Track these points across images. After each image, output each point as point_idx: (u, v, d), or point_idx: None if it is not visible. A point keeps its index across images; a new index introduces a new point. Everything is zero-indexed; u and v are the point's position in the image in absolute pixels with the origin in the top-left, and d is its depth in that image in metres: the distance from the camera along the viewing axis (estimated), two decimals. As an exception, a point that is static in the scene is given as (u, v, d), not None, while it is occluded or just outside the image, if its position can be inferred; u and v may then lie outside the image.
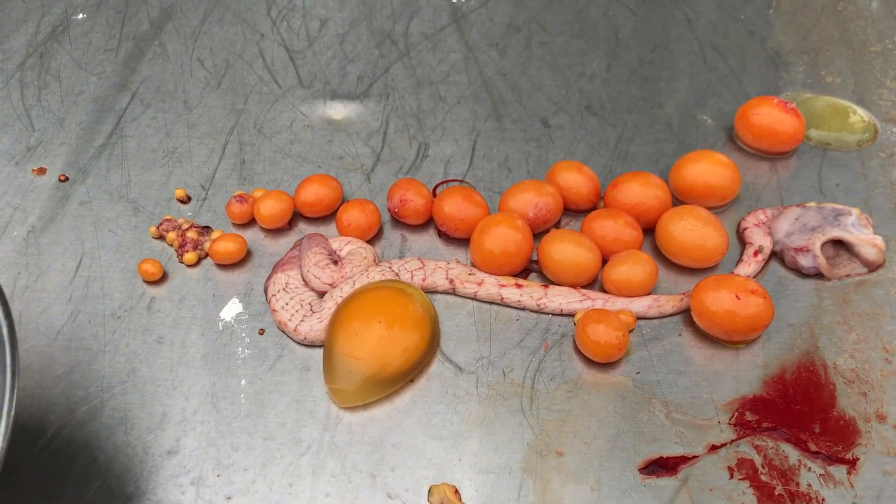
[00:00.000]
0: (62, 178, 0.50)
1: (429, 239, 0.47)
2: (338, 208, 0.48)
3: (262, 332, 0.43)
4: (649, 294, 0.43)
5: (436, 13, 0.61)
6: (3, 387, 0.30)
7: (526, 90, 0.56)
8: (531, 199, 0.45)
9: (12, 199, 0.49)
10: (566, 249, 0.43)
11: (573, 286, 0.44)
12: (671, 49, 0.58)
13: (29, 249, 0.47)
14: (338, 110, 0.54)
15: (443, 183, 0.50)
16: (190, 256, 0.45)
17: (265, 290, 0.44)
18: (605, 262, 0.44)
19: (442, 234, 0.47)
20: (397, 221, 0.48)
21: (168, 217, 0.47)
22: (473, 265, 0.45)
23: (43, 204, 0.49)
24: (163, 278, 0.45)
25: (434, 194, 0.49)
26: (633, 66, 0.57)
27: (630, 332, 0.42)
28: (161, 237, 0.47)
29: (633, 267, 0.43)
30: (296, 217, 0.48)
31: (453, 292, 0.44)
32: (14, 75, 0.57)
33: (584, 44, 0.59)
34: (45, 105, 0.55)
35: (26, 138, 0.53)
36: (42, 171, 0.51)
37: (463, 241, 0.47)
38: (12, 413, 0.29)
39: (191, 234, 0.46)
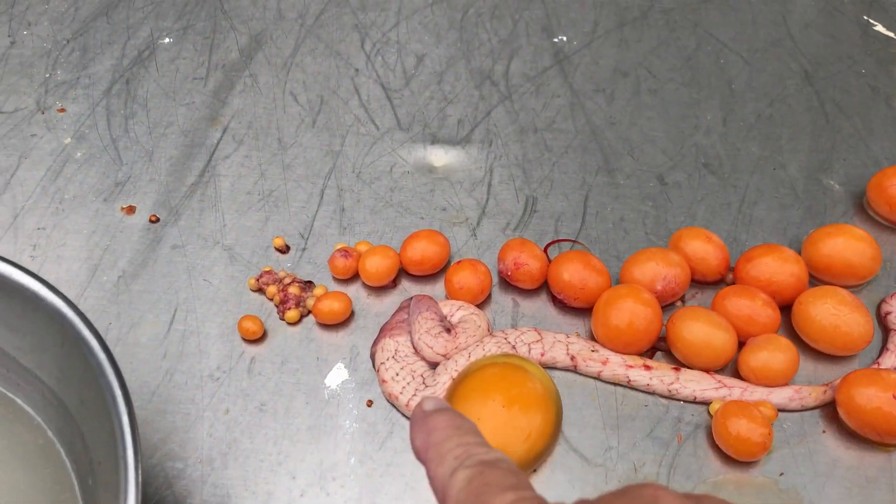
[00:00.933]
0: (153, 218, 0.48)
1: (541, 305, 0.44)
2: (445, 267, 0.45)
3: (370, 403, 0.40)
4: (789, 384, 0.40)
5: (537, 53, 0.58)
6: (126, 484, 0.27)
7: (637, 142, 0.52)
8: (659, 270, 0.42)
9: (101, 239, 0.47)
10: (699, 329, 0.40)
11: (705, 370, 0.41)
12: (789, 103, 0.55)
13: (120, 297, 0.44)
14: (439, 156, 0.52)
15: (554, 243, 0.47)
16: (292, 314, 0.43)
17: (372, 357, 0.42)
18: (740, 344, 0.41)
19: (557, 302, 0.44)
20: (507, 284, 0.45)
21: (267, 269, 0.45)
22: (595, 340, 0.42)
23: (133, 246, 0.47)
24: (262, 336, 0.43)
25: (546, 255, 0.46)
26: (751, 122, 0.54)
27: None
28: (260, 290, 0.44)
29: (774, 354, 0.39)
30: (399, 274, 0.46)
31: (574, 370, 0.41)
32: (100, 102, 0.54)
33: (697, 94, 0.55)
34: (133, 136, 0.52)
35: (114, 172, 0.50)
36: (131, 209, 0.48)
37: (579, 311, 0.44)
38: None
39: (293, 290, 0.43)
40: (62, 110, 0.54)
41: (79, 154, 0.51)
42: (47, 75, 0.56)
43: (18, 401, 0.36)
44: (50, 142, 0.52)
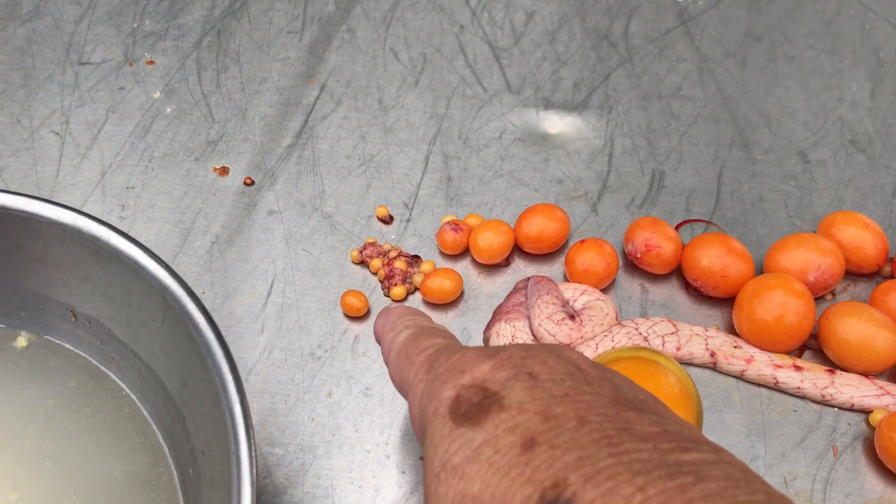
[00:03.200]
0: (248, 181, 0.44)
1: (673, 292, 0.40)
2: (564, 246, 0.41)
3: (484, 394, 0.36)
4: (964, 395, 0.35)
5: (658, 12, 0.53)
6: (240, 485, 0.24)
7: (775, 114, 0.47)
8: (811, 260, 0.38)
9: (193, 201, 0.44)
10: (858, 327, 0.36)
11: (863, 374, 0.36)
12: (946, 75, 0.49)
13: (214, 265, 0.41)
14: (553, 123, 0.47)
15: (686, 223, 0.42)
16: (398, 291, 0.39)
17: (486, 342, 0.38)
18: (904, 347, 0.36)
19: (692, 289, 0.40)
20: (635, 268, 0.41)
21: (371, 240, 0.41)
22: (737, 335, 0.37)
23: (227, 210, 0.44)
24: (366, 314, 0.39)
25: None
26: (903, 94, 0.48)
27: (944, 442, 0.34)
28: (363, 263, 0.41)
29: (950, 361, 0.35)
30: (513, 251, 0.42)
31: (713, 367, 0.37)
32: (190, 55, 0.51)
33: (839, 62, 0.50)
34: (225, 92, 0.49)
35: (206, 130, 0.47)
36: (225, 170, 0.45)
37: (717, 301, 0.39)
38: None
39: (399, 265, 0.40)
40: (151, 62, 0.51)
41: (168, 109, 0.48)
42: (135, 25, 0.53)
43: (112, 375, 0.33)
44: (138, 95, 0.49)
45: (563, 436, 0.20)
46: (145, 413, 0.32)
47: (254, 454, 0.24)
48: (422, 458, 0.27)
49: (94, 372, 0.33)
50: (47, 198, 0.44)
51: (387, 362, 0.28)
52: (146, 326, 0.30)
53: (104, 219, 0.43)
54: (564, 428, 0.20)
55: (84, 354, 0.33)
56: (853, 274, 0.40)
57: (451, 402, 0.22)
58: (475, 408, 0.22)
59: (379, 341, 0.30)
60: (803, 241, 0.38)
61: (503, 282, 0.41)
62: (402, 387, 0.27)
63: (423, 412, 0.24)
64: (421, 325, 0.28)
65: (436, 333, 0.27)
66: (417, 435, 0.25)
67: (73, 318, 0.33)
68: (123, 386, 0.33)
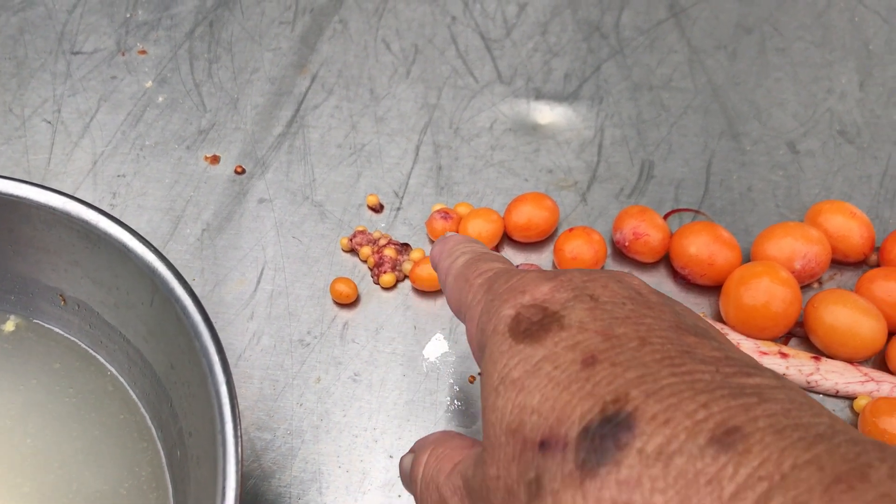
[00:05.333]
0: (239, 169, 0.45)
1: (661, 280, 0.40)
2: (553, 234, 0.42)
3: (472, 379, 0.37)
4: (948, 381, 0.35)
5: (650, 4, 0.53)
6: (225, 463, 0.24)
7: (764, 105, 0.47)
8: (798, 248, 0.38)
9: (184, 189, 0.44)
10: (844, 314, 0.36)
11: (848, 360, 0.36)
12: (935, 67, 0.49)
13: (204, 252, 0.41)
14: (544, 113, 0.47)
15: (674, 212, 0.43)
16: (387, 278, 0.39)
17: (475, 329, 0.38)
18: (889, 333, 0.37)
19: (679, 278, 0.40)
20: (623, 256, 0.41)
21: (361, 228, 0.41)
22: (724, 322, 0.38)
23: (217, 198, 0.44)
24: (356, 301, 0.39)
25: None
26: (892, 87, 0.48)
27: (927, 428, 0.34)
28: (353, 251, 0.41)
29: (934, 347, 0.35)
30: (502, 240, 0.42)
31: (700, 353, 0.37)
32: (183, 44, 0.51)
33: (829, 54, 0.50)
34: (217, 82, 0.49)
35: (197, 119, 0.47)
36: (216, 159, 0.45)
37: (704, 289, 0.40)
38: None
39: (389, 252, 0.40)
40: (143, 52, 0.51)
41: (160, 98, 0.48)
42: (128, 15, 0.53)
43: (100, 358, 0.33)
44: (130, 85, 0.49)
45: (624, 354, 0.20)
46: (132, 393, 0.32)
47: (239, 433, 0.25)
48: (479, 374, 0.28)
49: (81, 354, 0.33)
50: (38, 185, 0.44)
51: (443, 287, 0.28)
52: (135, 310, 0.30)
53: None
54: (625, 347, 0.20)
55: (72, 338, 0.33)
56: (840, 263, 0.40)
57: (510, 320, 0.22)
58: (535, 326, 0.22)
59: (435, 268, 0.30)
60: (790, 229, 0.39)
61: (492, 270, 0.41)
62: (459, 310, 0.27)
63: (482, 331, 0.24)
64: (478, 250, 0.28)
65: (494, 258, 0.27)
66: (475, 354, 0.25)
67: (63, 302, 0.33)
68: (111, 368, 0.33)
